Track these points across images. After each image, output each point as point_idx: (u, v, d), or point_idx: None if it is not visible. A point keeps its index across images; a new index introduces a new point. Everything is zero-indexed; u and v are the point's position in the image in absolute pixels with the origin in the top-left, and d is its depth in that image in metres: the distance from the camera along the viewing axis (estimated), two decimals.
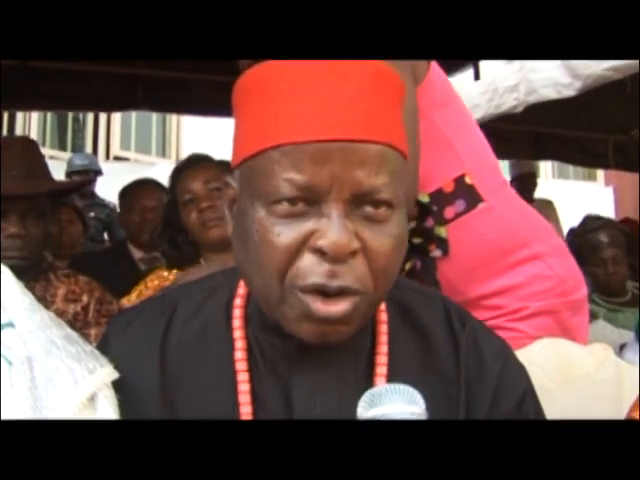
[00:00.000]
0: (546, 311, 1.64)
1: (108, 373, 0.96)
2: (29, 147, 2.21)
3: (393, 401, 0.87)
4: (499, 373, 1.04)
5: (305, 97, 0.90)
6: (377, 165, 0.90)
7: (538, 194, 5.60)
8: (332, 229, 0.89)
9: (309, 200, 0.90)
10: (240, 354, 1.01)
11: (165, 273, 2.55)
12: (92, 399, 0.93)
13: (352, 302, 0.91)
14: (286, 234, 0.90)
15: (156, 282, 2.52)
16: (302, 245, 0.90)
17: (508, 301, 1.63)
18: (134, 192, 3.69)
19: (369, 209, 0.91)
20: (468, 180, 1.68)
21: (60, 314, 1.45)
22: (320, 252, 0.89)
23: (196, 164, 2.55)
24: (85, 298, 2.12)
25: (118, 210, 3.89)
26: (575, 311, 1.69)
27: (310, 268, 0.90)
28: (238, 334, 1.02)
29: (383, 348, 1.02)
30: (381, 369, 1.01)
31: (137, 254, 3.59)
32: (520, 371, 1.08)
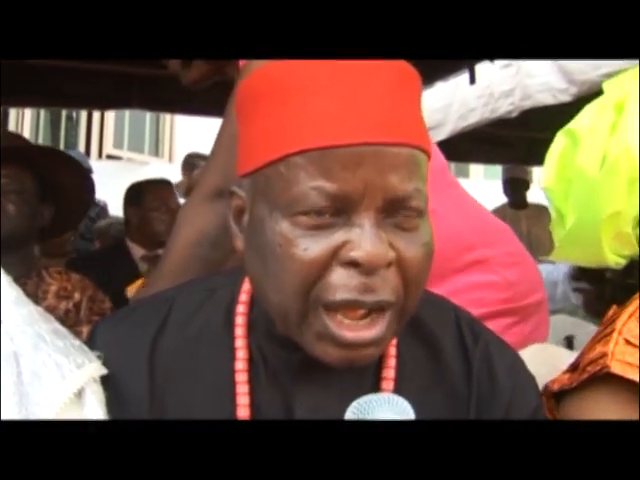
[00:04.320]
0: (486, 316, 1.54)
1: (96, 368, 0.95)
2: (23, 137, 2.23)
3: (382, 411, 0.86)
4: (511, 390, 1.00)
5: (329, 97, 0.84)
6: (409, 170, 0.85)
7: (532, 200, 5.62)
8: (366, 239, 0.83)
9: (338, 210, 0.84)
10: (241, 364, 0.96)
11: None
12: (79, 395, 0.92)
13: (386, 321, 0.86)
14: (313, 248, 0.84)
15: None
16: (331, 259, 0.84)
17: None
18: (143, 189, 3.68)
19: (400, 218, 0.86)
20: None
21: (51, 311, 1.44)
22: (353, 265, 0.83)
23: None
24: (77, 295, 2.11)
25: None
26: (525, 316, 1.63)
27: (341, 282, 0.83)
28: (240, 343, 0.97)
29: (391, 362, 0.98)
30: (388, 384, 0.97)
31: (138, 252, 3.56)
32: (531, 385, 1.04)
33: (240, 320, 0.99)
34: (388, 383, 0.97)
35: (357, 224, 0.84)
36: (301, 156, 0.84)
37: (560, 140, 1.30)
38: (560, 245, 1.32)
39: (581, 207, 1.26)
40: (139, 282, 2.47)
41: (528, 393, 1.02)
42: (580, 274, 3.45)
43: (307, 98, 0.85)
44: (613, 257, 1.26)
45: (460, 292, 1.57)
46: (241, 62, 1.43)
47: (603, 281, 1.28)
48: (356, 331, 0.85)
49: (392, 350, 0.98)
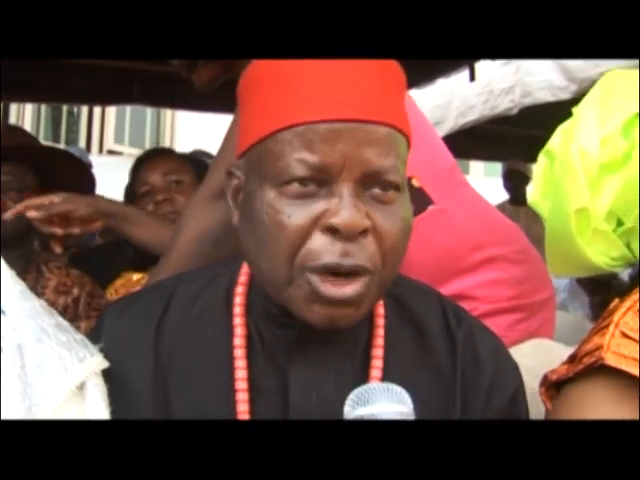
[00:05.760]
0: (494, 312, 1.59)
1: (98, 362, 0.96)
2: (24, 130, 2.23)
3: (381, 400, 0.87)
4: (494, 371, 1.05)
5: (313, 80, 0.92)
6: (386, 146, 0.92)
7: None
8: (344, 207, 0.89)
9: (320, 180, 0.91)
10: (239, 340, 1.01)
11: (133, 277, 2.46)
12: (81, 387, 0.93)
13: (364, 283, 0.91)
14: (297, 215, 0.90)
15: (123, 290, 2.43)
16: (314, 225, 0.90)
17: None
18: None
19: (377, 191, 0.92)
20: (415, 183, 1.60)
21: (50, 306, 1.45)
22: (332, 231, 0.89)
23: (156, 156, 2.50)
24: (76, 291, 2.12)
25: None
26: (532, 313, 1.65)
27: (323, 248, 0.90)
28: (238, 321, 1.03)
29: (379, 341, 1.03)
30: (377, 362, 1.01)
31: None
32: (513, 368, 1.09)
33: (239, 300, 1.04)
34: (377, 361, 1.01)
35: (337, 194, 0.91)
36: (287, 132, 0.92)
37: (541, 160, 1.41)
38: (547, 253, 1.39)
39: (552, 206, 1.36)
40: (118, 282, 2.48)
41: (509, 374, 1.07)
42: (593, 288, 3.47)
43: (294, 82, 0.93)
44: (601, 258, 1.30)
45: (470, 290, 1.60)
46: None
47: (610, 290, 1.30)
48: (338, 286, 0.90)
49: (380, 330, 1.03)
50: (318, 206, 0.91)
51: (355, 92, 0.92)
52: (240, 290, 1.04)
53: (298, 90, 0.92)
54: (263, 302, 1.01)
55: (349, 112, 0.91)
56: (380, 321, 1.04)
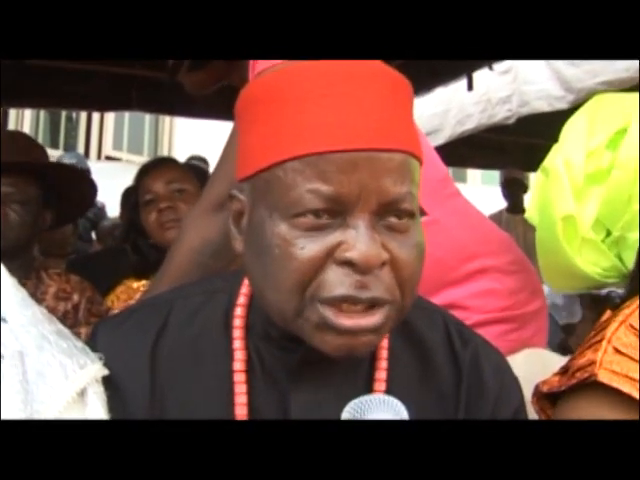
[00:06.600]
0: (486, 322, 1.59)
1: (98, 369, 0.97)
2: (29, 138, 2.24)
3: (377, 411, 0.88)
4: (498, 390, 1.04)
5: (324, 105, 0.88)
6: (402, 174, 0.89)
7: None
8: (361, 240, 0.86)
9: (334, 212, 0.87)
10: (239, 365, 0.99)
11: (134, 284, 2.49)
12: (82, 394, 0.94)
13: (384, 313, 0.89)
14: (310, 247, 0.87)
15: (124, 296, 2.46)
16: (327, 257, 0.87)
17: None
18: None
19: (393, 220, 0.89)
20: None
21: (50, 312, 1.45)
22: (348, 264, 0.86)
23: (160, 165, 2.56)
24: (76, 297, 2.12)
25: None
26: (524, 323, 1.66)
27: (337, 280, 0.87)
28: (238, 344, 1.00)
29: (383, 363, 1.01)
30: (380, 385, 1.00)
31: None
32: (515, 384, 1.08)
33: (238, 322, 1.01)
34: (380, 384, 1.00)
35: (352, 225, 0.87)
36: (298, 161, 0.87)
37: (539, 176, 1.46)
38: (540, 265, 1.42)
39: (540, 215, 1.42)
40: (119, 289, 2.50)
41: (512, 392, 1.06)
42: (590, 302, 3.46)
43: (304, 106, 0.88)
44: (592, 268, 1.33)
45: (462, 300, 1.60)
46: (255, 70, 1.45)
47: (607, 305, 1.32)
48: (355, 319, 0.87)
49: (384, 353, 1.01)
50: (332, 238, 0.87)
51: (368, 119, 0.88)
52: (239, 312, 1.02)
53: (307, 115, 0.88)
54: (263, 325, 0.99)
55: (365, 141, 0.87)
56: (384, 342, 1.00)
